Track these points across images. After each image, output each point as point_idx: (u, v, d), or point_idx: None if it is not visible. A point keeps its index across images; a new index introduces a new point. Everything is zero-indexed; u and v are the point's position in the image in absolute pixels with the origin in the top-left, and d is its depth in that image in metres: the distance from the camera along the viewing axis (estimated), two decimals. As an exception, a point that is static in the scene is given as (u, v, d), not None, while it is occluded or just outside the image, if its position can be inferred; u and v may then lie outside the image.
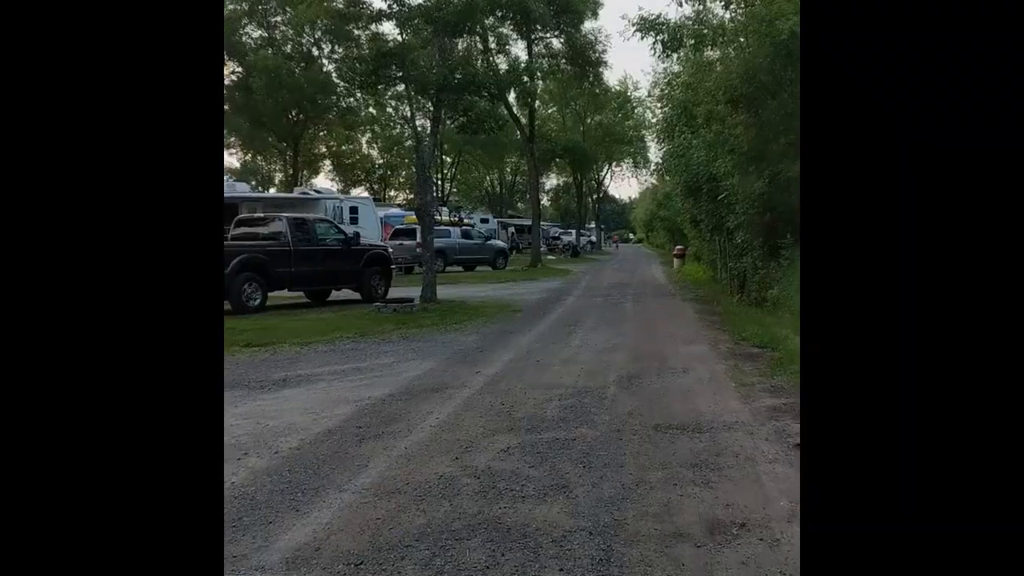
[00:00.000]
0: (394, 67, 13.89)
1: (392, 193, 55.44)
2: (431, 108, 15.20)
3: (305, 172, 46.99)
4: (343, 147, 50.24)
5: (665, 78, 22.52)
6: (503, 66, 18.94)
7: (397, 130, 48.51)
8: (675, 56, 21.23)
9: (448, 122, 15.39)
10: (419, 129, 15.54)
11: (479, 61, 16.11)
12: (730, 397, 6.41)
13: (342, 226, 19.26)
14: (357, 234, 15.60)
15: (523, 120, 32.59)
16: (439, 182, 52.78)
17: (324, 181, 50.85)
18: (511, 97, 31.40)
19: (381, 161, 54.19)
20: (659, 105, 22.33)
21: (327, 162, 50.40)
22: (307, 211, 20.84)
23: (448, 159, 52.33)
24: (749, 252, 13.82)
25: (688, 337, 10.15)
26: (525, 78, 17.66)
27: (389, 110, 46.87)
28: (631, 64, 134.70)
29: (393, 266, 17.12)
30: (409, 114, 15.60)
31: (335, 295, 16.09)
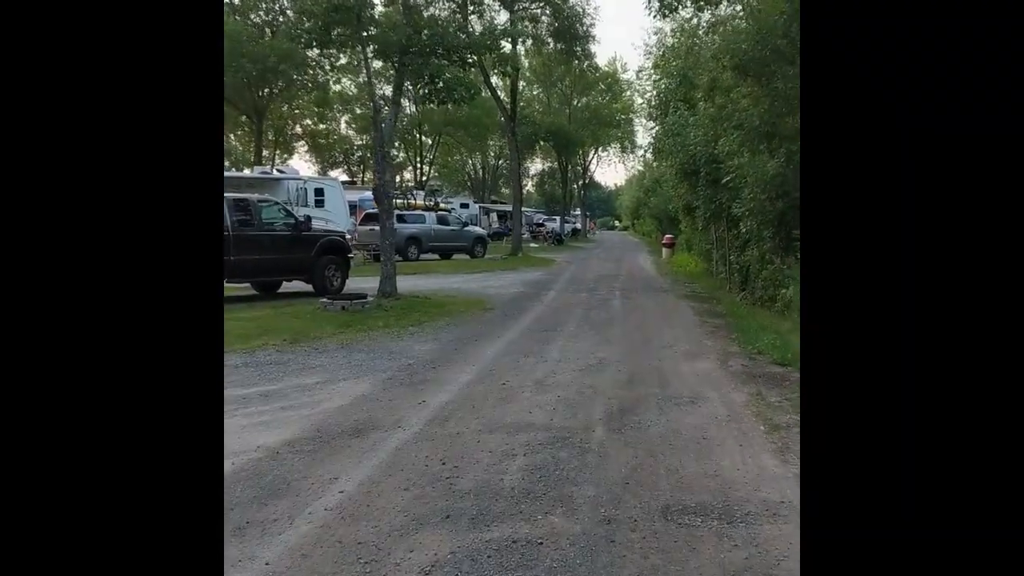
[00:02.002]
0: (352, 25, 11.92)
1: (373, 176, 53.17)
2: (393, 74, 13.29)
3: (278, 152, 44.67)
4: (320, 126, 47.81)
5: (659, 50, 20.73)
6: (479, 29, 16.83)
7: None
8: (672, 20, 19.36)
9: (414, 89, 13.44)
10: (378, 98, 13.55)
11: (451, 25, 14.12)
12: (762, 449, 4.63)
13: (294, 208, 17.38)
14: (308, 218, 13.62)
15: (504, 98, 30.58)
16: (418, 164, 50.73)
17: (300, 163, 48.57)
18: (493, 78, 29.38)
19: (360, 142, 51.86)
20: (653, 78, 20.54)
21: (302, 142, 47.88)
22: (267, 192, 18.91)
23: (428, 140, 50.24)
24: (756, 244, 12.05)
25: (690, 348, 8.36)
26: (504, 43, 15.68)
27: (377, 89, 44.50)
28: (621, 42, 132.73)
29: (352, 254, 15.20)
30: (373, 83, 13.52)
31: (286, 286, 14.22)
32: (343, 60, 22.35)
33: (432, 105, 14.61)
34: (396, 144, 50.47)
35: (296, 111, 42.35)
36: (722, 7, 13.01)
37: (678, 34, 19.24)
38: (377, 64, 19.88)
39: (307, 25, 11.35)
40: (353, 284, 14.14)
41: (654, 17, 13.32)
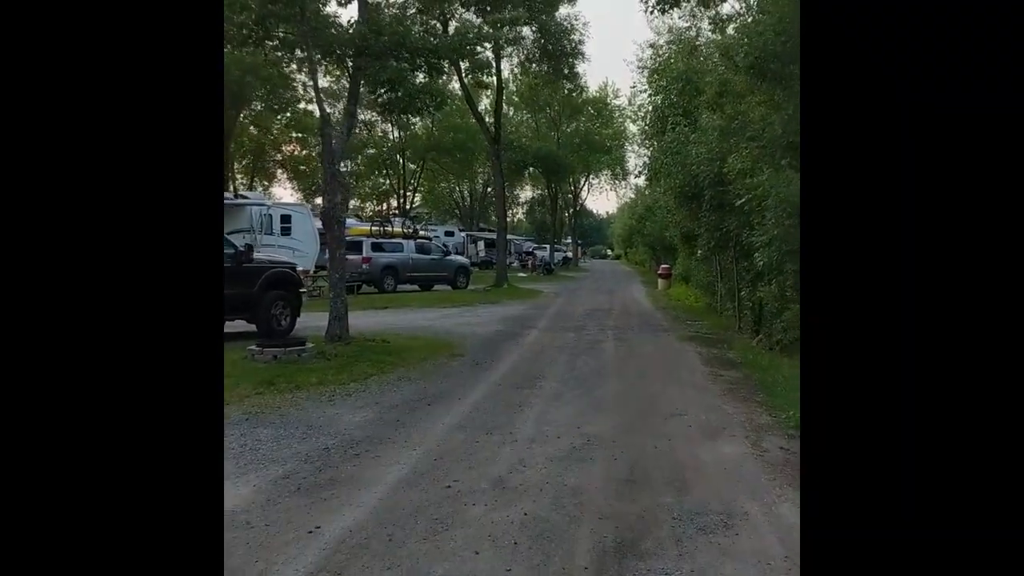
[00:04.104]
0: (295, 20, 10.09)
1: (357, 203, 51.18)
2: (347, 80, 11.47)
3: (256, 179, 42.82)
4: (302, 152, 46.01)
5: (655, 62, 19.05)
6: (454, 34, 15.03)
7: (364, 133, 44.24)
8: (668, 33, 17.78)
9: (372, 97, 11.58)
10: (326, 106, 11.69)
11: (415, 25, 12.36)
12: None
13: (255, 237, 15.54)
14: (250, 247, 11.67)
15: (488, 119, 28.81)
16: (401, 191, 48.90)
17: (281, 190, 46.92)
18: (482, 104, 27.55)
19: (344, 168, 50.00)
20: (648, 92, 18.80)
21: (281, 168, 45.97)
22: (228, 219, 17.11)
23: (413, 166, 48.56)
24: (776, 278, 10.16)
25: (707, 417, 6.40)
26: (483, 49, 13.87)
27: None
28: (613, 66, 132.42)
29: (305, 289, 13.20)
30: (319, 88, 11.56)
31: (230, 326, 12.18)
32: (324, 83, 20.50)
33: (408, 119, 12.70)
34: (386, 171, 48.80)
35: (271, 136, 40.55)
36: (725, 6, 11.24)
37: (674, 45, 17.59)
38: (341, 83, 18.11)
39: (239, 18, 9.50)
40: (311, 322, 12.16)
41: (651, 13, 11.55)
